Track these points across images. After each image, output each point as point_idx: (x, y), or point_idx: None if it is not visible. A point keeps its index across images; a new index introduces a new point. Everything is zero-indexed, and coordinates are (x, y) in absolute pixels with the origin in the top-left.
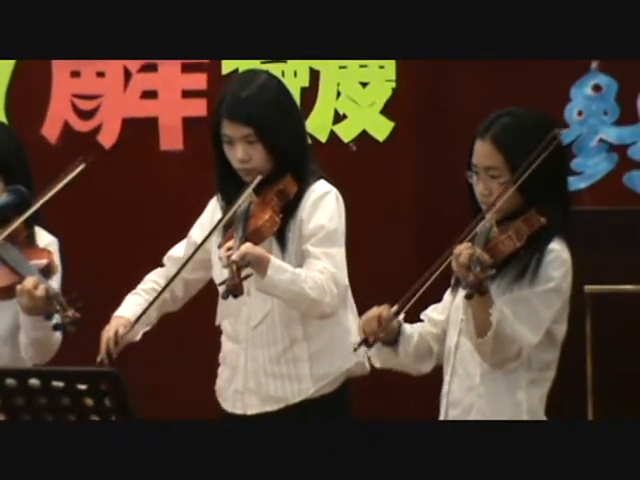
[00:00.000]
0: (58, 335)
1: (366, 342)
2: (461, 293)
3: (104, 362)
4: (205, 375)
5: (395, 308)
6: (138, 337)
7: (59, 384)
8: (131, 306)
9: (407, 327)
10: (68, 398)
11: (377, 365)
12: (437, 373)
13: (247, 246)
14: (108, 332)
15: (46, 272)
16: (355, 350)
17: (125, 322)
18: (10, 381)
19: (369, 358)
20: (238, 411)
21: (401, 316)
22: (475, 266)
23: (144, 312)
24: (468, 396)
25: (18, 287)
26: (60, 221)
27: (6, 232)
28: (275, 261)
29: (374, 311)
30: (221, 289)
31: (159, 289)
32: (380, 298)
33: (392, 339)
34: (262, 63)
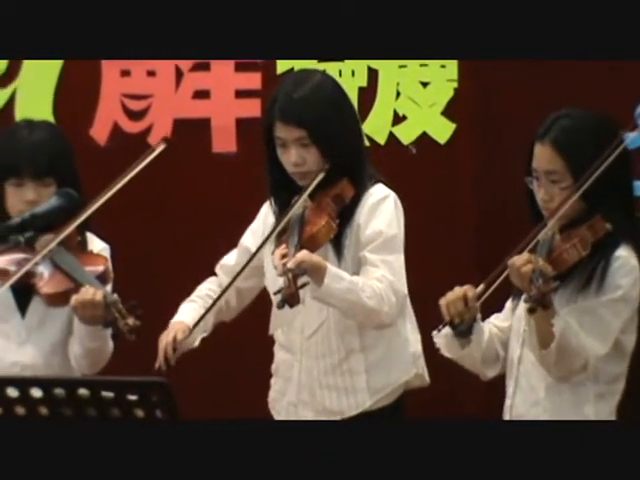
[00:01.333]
0: (111, 345)
1: (451, 324)
2: (523, 303)
3: (162, 368)
4: (258, 386)
5: (481, 288)
6: (196, 343)
7: (109, 394)
8: (189, 312)
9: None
10: (118, 409)
11: (447, 354)
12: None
13: (303, 253)
14: (167, 338)
15: (102, 279)
16: (439, 331)
17: (184, 328)
18: (59, 391)
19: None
20: None
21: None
22: (537, 279)
23: (202, 318)
24: (532, 411)
25: (75, 297)
26: (108, 226)
27: (61, 236)
28: (332, 269)
29: (458, 291)
30: (276, 298)
31: (214, 296)
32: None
33: (466, 327)
34: (319, 62)
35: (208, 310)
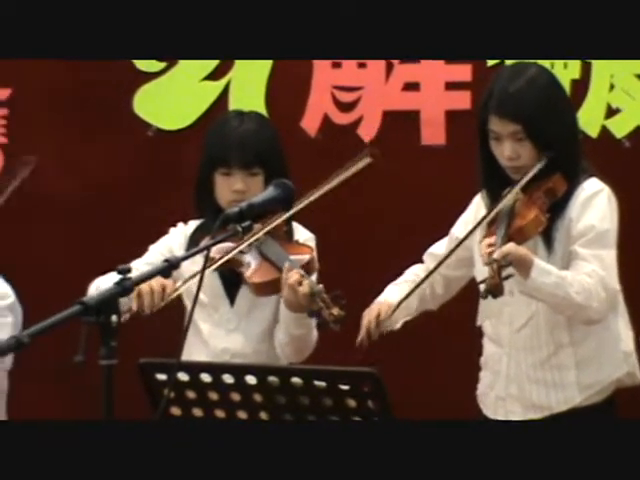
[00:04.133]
0: (316, 334)
1: None
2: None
3: (364, 343)
4: (467, 378)
5: None
6: (398, 325)
7: (321, 384)
8: (394, 292)
9: None
10: (330, 398)
11: None
12: None
13: (510, 245)
14: (369, 315)
15: (307, 268)
16: None
17: (387, 307)
18: (272, 379)
19: None
20: (500, 418)
21: None
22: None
23: (406, 296)
24: None
25: (282, 279)
26: (316, 217)
27: (270, 226)
28: (539, 263)
29: None
30: (481, 288)
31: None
32: None
33: None
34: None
35: (412, 290)
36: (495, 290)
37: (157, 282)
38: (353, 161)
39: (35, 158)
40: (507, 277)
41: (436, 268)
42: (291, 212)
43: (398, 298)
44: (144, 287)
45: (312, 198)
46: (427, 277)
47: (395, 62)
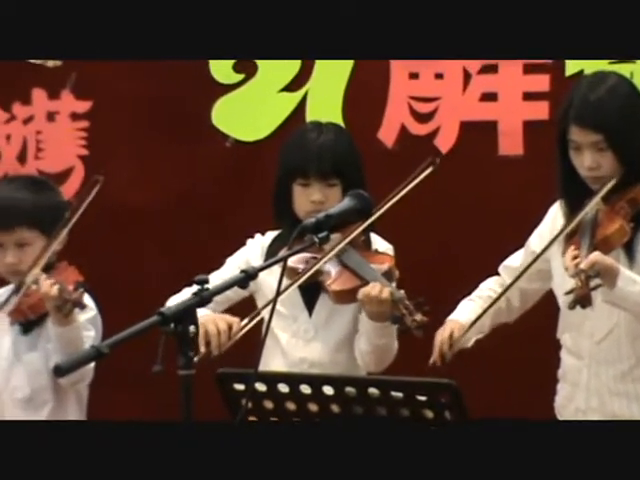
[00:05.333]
0: (396, 344)
1: None
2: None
3: (437, 364)
4: (543, 391)
5: None
6: (470, 344)
7: (398, 395)
8: (466, 312)
9: None
10: (407, 409)
11: None
12: None
13: (596, 255)
14: (442, 334)
15: (388, 276)
16: None
17: (459, 326)
18: (350, 389)
19: None
20: None
21: None
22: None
23: (479, 317)
24: None
25: (362, 292)
26: (393, 227)
27: (352, 235)
28: (625, 272)
29: None
30: (567, 299)
31: (494, 296)
32: None
33: None
34: (609, 64)
35: (485, 311)
36: (584, 300)
37: (223, 321)
38: (416, 172)
39: (103, 177)
40: (595, 287)
41: (512, 284)
42: (370, 220)
43: (471, 316)
44: (211, 328)
45: (385, 207)
46: (501, 295)
47: (473, 72)
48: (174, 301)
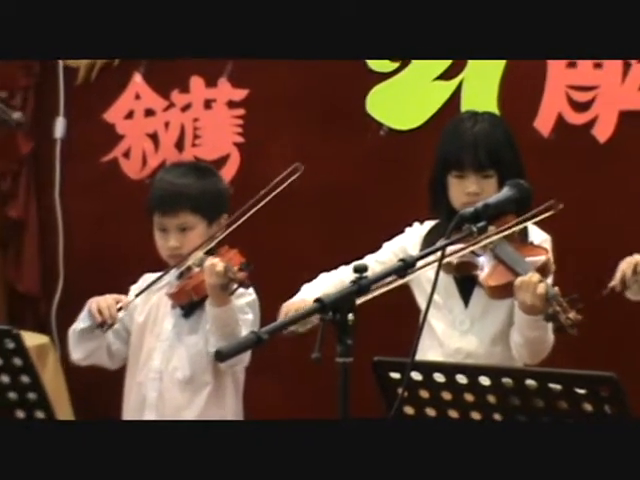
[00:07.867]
0: (552, 337)
1: None
2: None
3: (616, 289)
4: None
5: None
6: None
7: (556, 387)
8: None
9: None
10: (565, 402)
11: None
12: None
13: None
14: (629, 260)
15: (542, 270)
16: None
17: None
18: (506, 380)
19: None
20: None
21: None
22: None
23: None
24: None
25: (520, 279)
26: (550, 223)
27: (506, 232)
28: None
29: None
30: None
31: None
32: None
33: None
34: None
35: None
36: None
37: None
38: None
39: (303, 166)
40: None
41: None
42: (527, 215)
43: None
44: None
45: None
46: None
47: (633, 62)
48: (326, 278)
